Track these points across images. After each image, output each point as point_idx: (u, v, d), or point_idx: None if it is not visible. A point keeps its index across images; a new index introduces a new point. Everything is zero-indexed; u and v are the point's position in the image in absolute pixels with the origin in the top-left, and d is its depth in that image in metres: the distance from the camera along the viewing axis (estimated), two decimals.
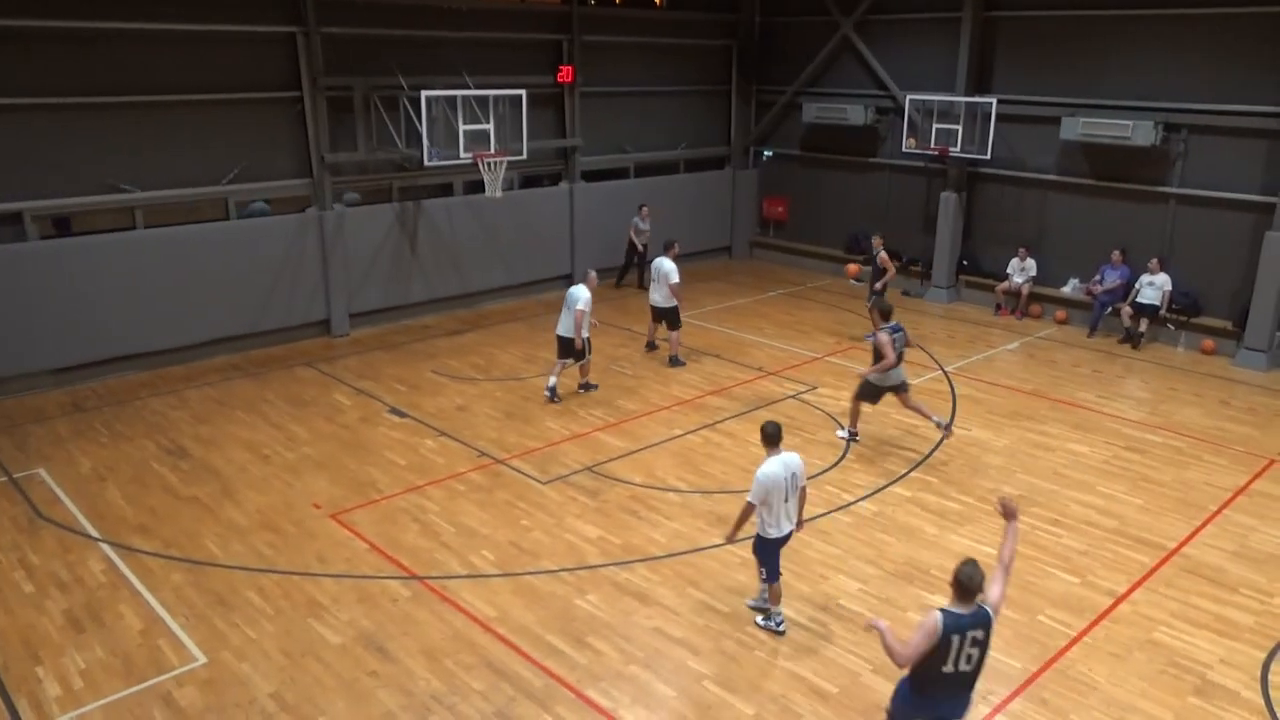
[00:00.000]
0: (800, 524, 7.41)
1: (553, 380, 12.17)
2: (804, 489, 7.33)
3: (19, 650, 7.10)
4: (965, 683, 5.35)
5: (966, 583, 5.17)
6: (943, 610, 5.19)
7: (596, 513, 9.28)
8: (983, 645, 5.24)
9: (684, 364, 13.53)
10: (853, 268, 14.99)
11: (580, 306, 11.73)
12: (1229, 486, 10.03)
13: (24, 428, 11.21)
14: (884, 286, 14.46)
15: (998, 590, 5.39)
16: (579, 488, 9.80)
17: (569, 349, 12.03)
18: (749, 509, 7.16)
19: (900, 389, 10.69)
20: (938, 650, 5.14)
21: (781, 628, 7.40)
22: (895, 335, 10.44)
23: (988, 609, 5.24)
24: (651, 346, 14.22)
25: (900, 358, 10.49)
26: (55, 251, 12.17)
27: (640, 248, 17.57)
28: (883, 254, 14.65)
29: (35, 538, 8.71)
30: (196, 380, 12.90)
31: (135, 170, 12.72)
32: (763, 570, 7.37)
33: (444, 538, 8.78)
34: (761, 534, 7.22)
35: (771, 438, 7.19)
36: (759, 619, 7.51)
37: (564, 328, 11.99)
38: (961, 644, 5.16)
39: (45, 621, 7.46)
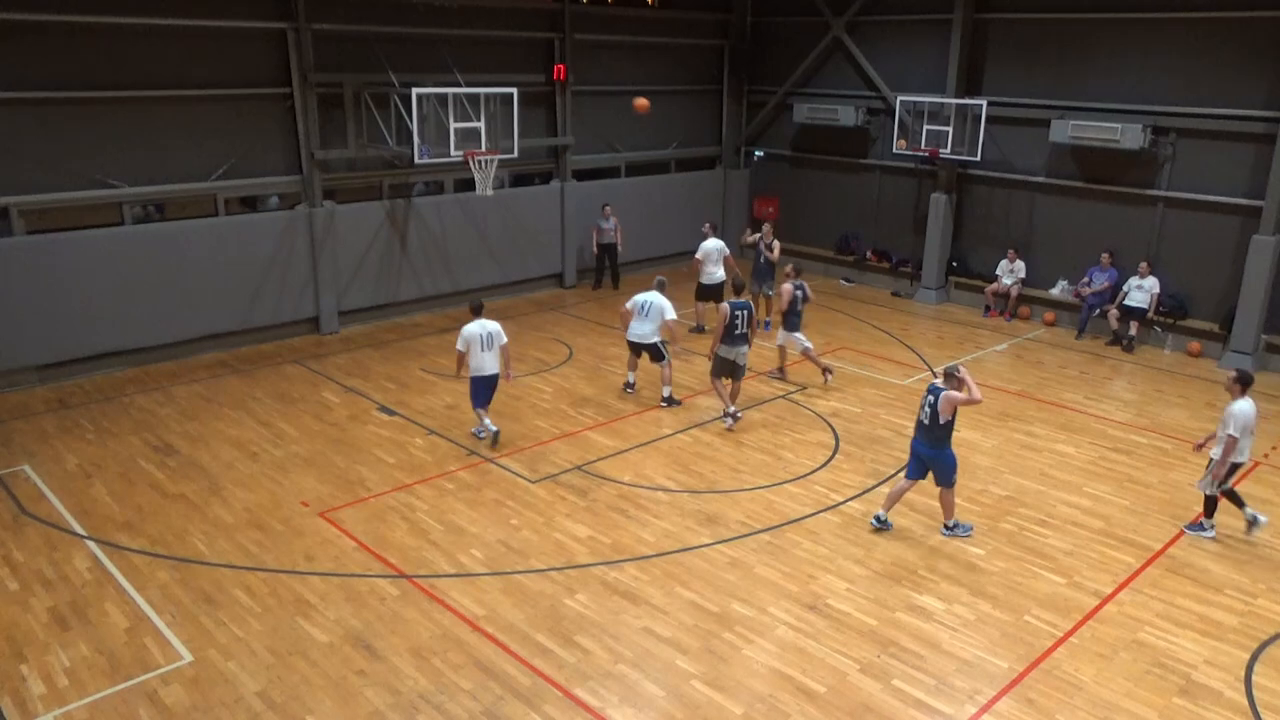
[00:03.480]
0: (508, 376, 10.75)
1: (666, 390, 12.13)
2: (503, 348, 10.48)
3: (3, 648, 7.06)
4: (922, 432, 8.75)
5: (952, 371, 8.57)
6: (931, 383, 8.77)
7: (586, 512, 9.28)
8: (932, 407, 8.53)
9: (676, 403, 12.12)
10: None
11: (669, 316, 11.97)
12: None
13: (9, 424, 11.13)
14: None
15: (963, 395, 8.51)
16: (568, 487, 9.79)
17: (649, 352, 12.07)
18: (459, 354, 10.40)
19: (738, 371, 11.47)
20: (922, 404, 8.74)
21: (483, 436, 10.70)
22: (737, 311, 11.21)
23: (941, 387, 8.56)
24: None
25: (742, 338, 11.26)
26: (42, 246, 12.07)
27: (598, 247, 17.61)
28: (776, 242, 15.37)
29: (20, 534, 8.66)
30: (184, 377, 12.84)
31: (123, 165, 12.65)
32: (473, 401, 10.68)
33: (432, 536, 8.77)
34: (472, 375, 10.48)
35: (475, 310, 10.52)
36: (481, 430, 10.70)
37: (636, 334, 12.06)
38: (923, 401, 8.70)
39: (30, 619, 7.41)
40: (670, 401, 12.02)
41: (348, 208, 14.89)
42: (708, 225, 15.17)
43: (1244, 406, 8.54)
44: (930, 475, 8.83)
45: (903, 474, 9.10)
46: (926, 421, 8.62)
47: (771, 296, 15.22)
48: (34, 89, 11.77)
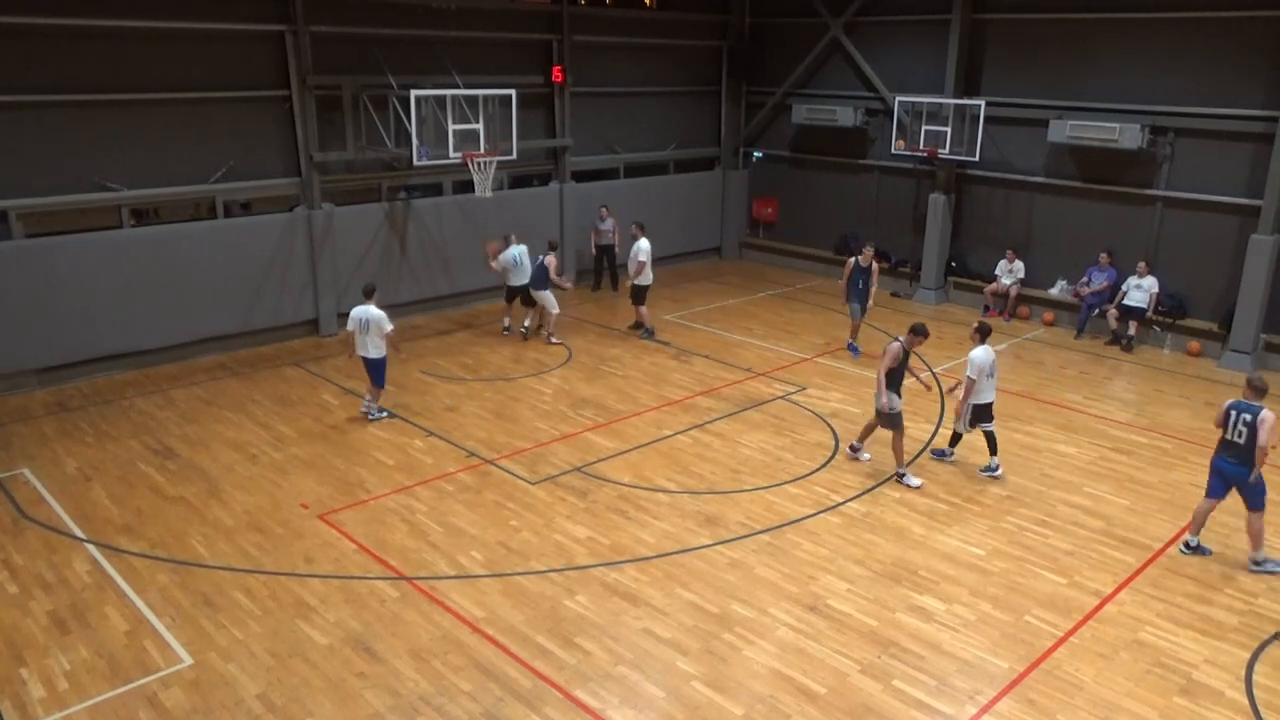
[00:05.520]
0: (397, 353, 11.72)
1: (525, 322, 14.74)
2: (385, 335, 10.98)
3: (2, 651, 7.05)
4: (1232, 450, 8.23)
5: (1259, 385, 8.11)
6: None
7: (585, 513, 9.27)
8: (1249, 426, 8.04)
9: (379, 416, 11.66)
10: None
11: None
12: None
13: (8, 427, 11.12)
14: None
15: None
16: (568, 488, 9.79)
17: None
18: (350, 334, 11.15)
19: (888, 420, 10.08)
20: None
21: (382, 414, 11.47)
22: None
23: (1251, 404, 8.10)
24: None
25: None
26: (41, 250, 12.08)
27: (597, 249, 17.65)
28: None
29: (19, 538, 8.65)
30: (184, 380, 12.83)
31: (122, 168, 12.64)
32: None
33: (432, 538, 8.76)
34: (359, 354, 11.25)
35: (365, 293, 11.18)
36: (372, 413, 11.40)
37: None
38: (1232, 419, 8.20)
39: (29, 623, 7.40)
40: (525, 333, 14.62)
41: (346, 210, 14.89)
42: (635, 225, 15.04)
43: (980, 353, 9.83)
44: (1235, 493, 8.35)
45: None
46: (1241, 440, 8.09)
47: (862, 321, 14.30)
48: (32, 92, 11.77)
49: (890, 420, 9.95)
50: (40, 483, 9.74)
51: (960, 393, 10.04)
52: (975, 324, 10.16)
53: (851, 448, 10.60)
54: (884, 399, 9.90)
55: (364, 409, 11.54)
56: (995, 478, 10.10)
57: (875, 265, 14.09)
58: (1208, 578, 8.31)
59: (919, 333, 10.02)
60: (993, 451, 10.14)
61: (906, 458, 10.17)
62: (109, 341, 12.73)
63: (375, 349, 11.12)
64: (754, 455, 10.67)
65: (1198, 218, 14.68)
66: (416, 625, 7.43)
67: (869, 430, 10.43)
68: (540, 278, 14.25)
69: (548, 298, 14.39)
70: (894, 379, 9.89)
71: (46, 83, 11.86)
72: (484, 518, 9.16)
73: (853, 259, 14.14)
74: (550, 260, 14.22)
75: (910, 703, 6.63)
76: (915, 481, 9.94)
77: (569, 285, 15.25)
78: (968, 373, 9.84)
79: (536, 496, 9.61)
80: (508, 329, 15.04)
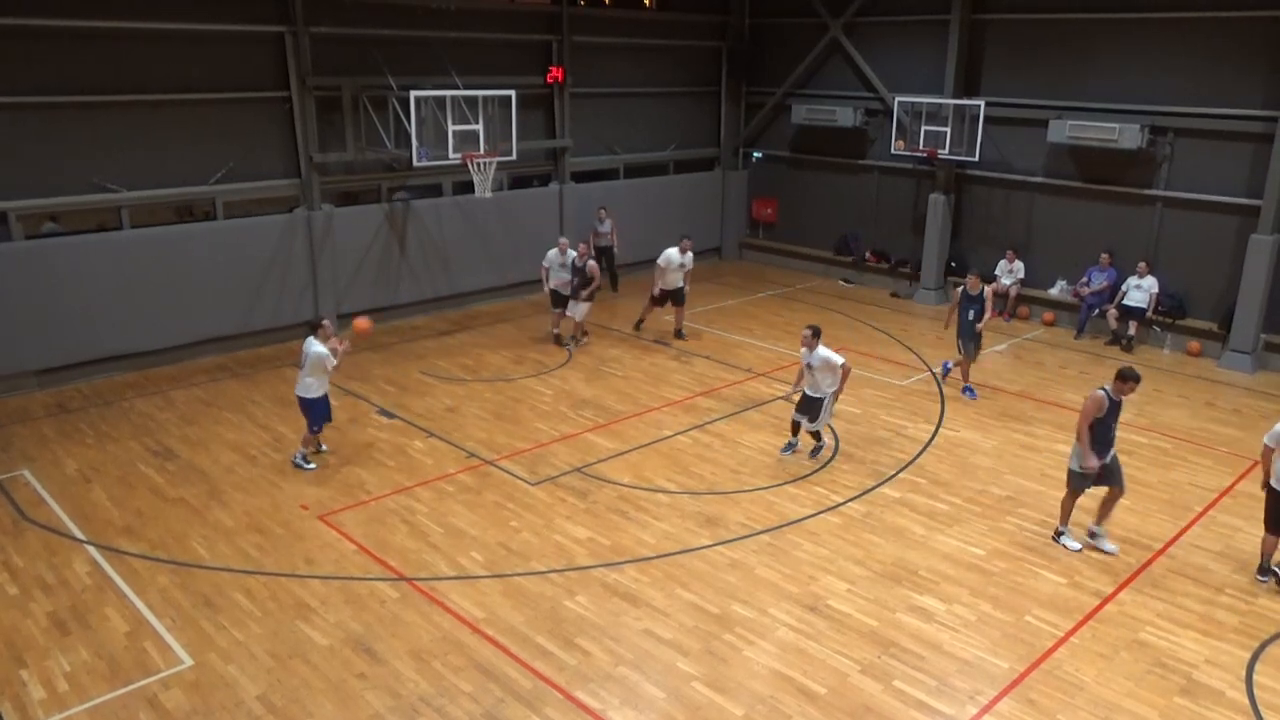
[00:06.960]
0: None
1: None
2: (326, 369, 9.87)
3: (3, 653, 7.05)
4: None
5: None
6: None
7: (585, 514, 9.27)
8: None
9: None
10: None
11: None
12: (1214, 487, 10.09)
13: (8, 429, 11.12)
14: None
15: None
16: (568, 489, 9.79)
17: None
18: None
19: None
20: None
21: (308, 465, 10.12)
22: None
23: None
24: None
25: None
26: (41, 251, 12.08)
27: (596, 250, 17.60)
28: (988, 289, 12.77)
29: (19, 539, 8.65)
30: (184, 381, 12.83)
31: (122, 170, 12.65)
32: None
33: (432, 539, 8.76)
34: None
35: (310, 326, 10.46)
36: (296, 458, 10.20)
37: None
38: None
39: (29, 624, 7.40)
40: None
41: (346, 210, 14.89)
42: (687, 240, 14.90)
43: (829, 350, 10.31)
44: None
45: None
46: None
47: (974, 359, 12.82)
48: (32, 93, 11.77)
49: (1078, 478, 8.53)
50: (40, 484, 9.74)
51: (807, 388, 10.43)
52: (808, 330, 10.37)
53: (1091, 534, 8.82)
54: (1074, 460, 8.47)
55: (297, 455, 10.27)
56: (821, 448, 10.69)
57: (988, 292, 12.41)
58: (1208, 578, 8.31)
59: (1128, 378, 8.23)
60: (796, 432, 10.73)
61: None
62: (109, 342, 12.73)
63: (304, 387, 9.92)
64: (754, 455, 10.67)
65: (1197, 218, 14.68)
66: (417, 626, 7.43)
67: (1108, 506, 8.72)
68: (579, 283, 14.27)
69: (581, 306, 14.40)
70: (1098, 433, 8.35)
71: (47, 83, 11.85)
72: (484, 518, 9.16)
73: (960, 288, 12.62)
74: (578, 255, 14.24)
75: (910, 703, 6.63)
76: (1075, 545, 8.69)
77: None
78: (838, 364, 10.21)
79: (536, 497, 9.61)
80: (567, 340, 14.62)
